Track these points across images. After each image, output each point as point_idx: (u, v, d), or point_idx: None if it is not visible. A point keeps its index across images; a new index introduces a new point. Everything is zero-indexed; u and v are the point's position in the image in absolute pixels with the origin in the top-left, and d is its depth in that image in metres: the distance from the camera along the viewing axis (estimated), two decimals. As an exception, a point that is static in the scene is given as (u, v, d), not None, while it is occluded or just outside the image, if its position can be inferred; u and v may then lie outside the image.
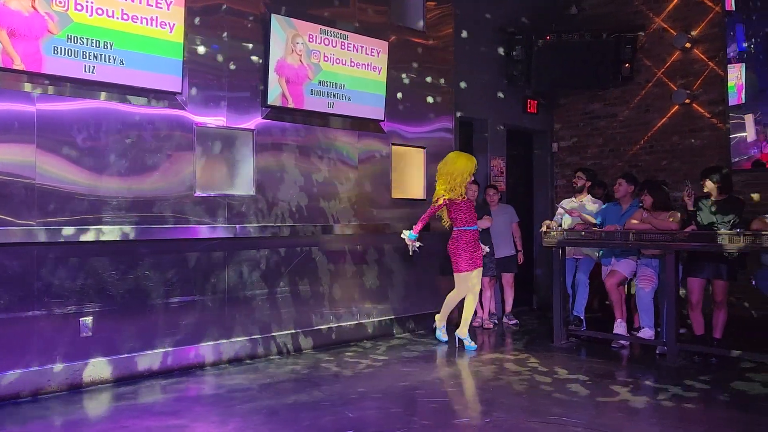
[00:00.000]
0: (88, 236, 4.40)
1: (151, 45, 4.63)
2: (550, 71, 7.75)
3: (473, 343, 5.81)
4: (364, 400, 4.18)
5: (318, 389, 4.41)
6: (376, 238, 6.27)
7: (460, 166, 5.70)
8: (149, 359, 4.70)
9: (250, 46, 5.36)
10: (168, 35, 4.70)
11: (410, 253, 5.89)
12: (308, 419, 3.78)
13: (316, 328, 5.76)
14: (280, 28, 5.39)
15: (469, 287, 5.82)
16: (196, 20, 5.01)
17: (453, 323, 6.09)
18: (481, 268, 5.92)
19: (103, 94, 4.54)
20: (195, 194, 4.99)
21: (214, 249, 5.09)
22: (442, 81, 6.92)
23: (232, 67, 5.25)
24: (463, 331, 5.83)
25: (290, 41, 5.45)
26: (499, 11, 7.75)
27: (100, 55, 4.39)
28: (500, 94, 7.85)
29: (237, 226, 5.19)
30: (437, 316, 6.07)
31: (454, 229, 5.83)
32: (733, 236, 4.87)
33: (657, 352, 5.55)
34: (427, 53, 6.79)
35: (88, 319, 4.41)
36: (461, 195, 5.74)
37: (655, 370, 5.07)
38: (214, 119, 5.14)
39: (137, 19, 4.55)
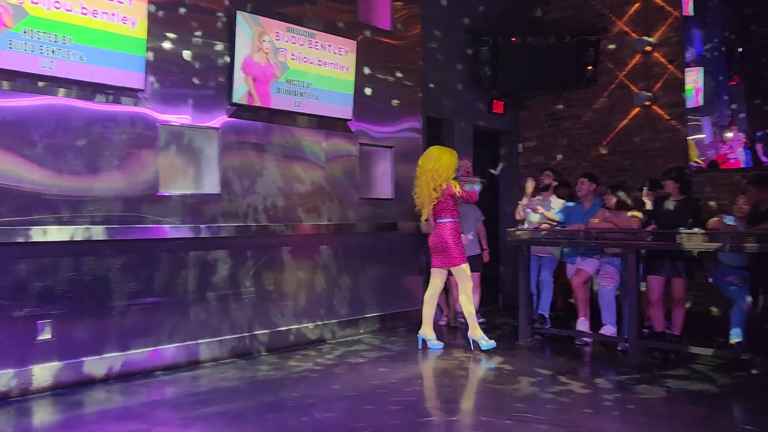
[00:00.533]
0: (47, 236, 4.28)
1: (112, 41, 4.52)
2: (516, 72, 7.84)
3: (439, 342, 5.80)
4: (331, 400, 4.16)
5: (284, 390, 4.38)
6: (344, 238, 6.26)
7: (445, 162, 5.63)
8: (110, 362, 4.59)
9: (216, 43, 5.29)
10: (130, 31, 4.61)
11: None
12: (274, 421, 3.75)
13: (282, 328, 5.71)
14: (246, 25, 5.33)
15: (438, 283, 5.79)
16: (160, 16, 4.92)
17: (419, 324, 6.11)
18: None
19: (61, 91, 4.41)
20: (158, 193, 4.90)
21: (178, 249, 5.01)
22: (409, 81, 6.94)
23: (197, 64, 5.17)
24: (426, 331, 5.79)
25: (257, 39, 5.40)
26: (465, 12, 7.81)
27: (59, 50, 4.28)
28: (467, 95, 7.90)
29: (202, 225, 5.12)
30: (469, 333, 5.70)
31: (448, 221, 5.63)
32: (691, 235, 5.00)
33: (619, 348, 5.66)
34: (395, 53, 6.80)
35: (46, 322, 4.29)
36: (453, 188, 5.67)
37: (617, 366, 5.17)
38: (178, 117, 5.05)
39: (97, 13, 4.44)
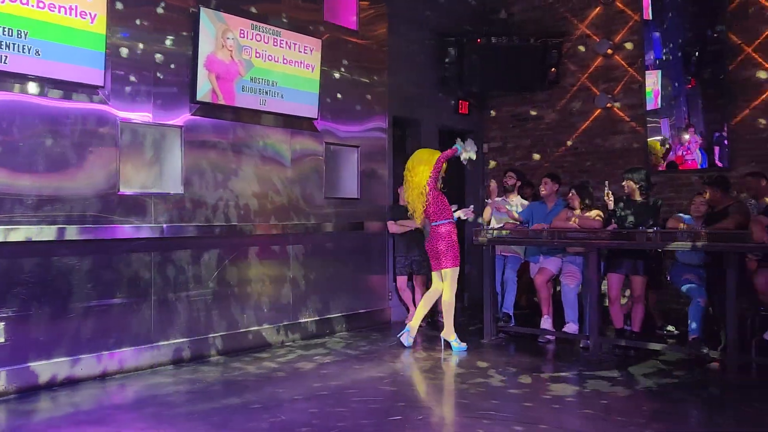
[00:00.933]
0: (0, 237, 4.14)
1: (70, 35, 4.41)
2: (481, 73, 7.91)
3: (411, 339, 5.81)
4: (298, 401, 4.14)
5: (250, 392, 4.33)
6: (310, 238, 6.22)
7: (423, 167, 5.66)
8: (70, 366, 4.48)
9: (179, 39, 5.20)
10: (89, 26, 4.49)
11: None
12: (240, 422, 3.70)
13: (247, 329, 5.65)
14: (210, 22, 5.25)
15: (437, 286, 5.74)
16: (121, 11, 4.81)
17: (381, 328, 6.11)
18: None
19: (17, 86, 4.28)
20: (118, 192, 4.79)
21: (140, 249, 4.91)
22: (375, 80, 6.94)
23: (159, 61, 5.07)
24: (412, 324, 5.81)
25: (220, 36, 5.32)
26: (432, 13, 7.85)
27: (14, 44, 4.14)
28: (433, 95, 7.94)
29: (164, 225, 5.03)
30: (443, 333, 5.76)
31: (442, 223, 5.59)
32: (650, 234, 5.12)
33: (581, 345, 5.76)
34: (361, 52, 6.79)
35: (0, 325, 4.15)
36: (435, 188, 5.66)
37: (579, 363, 5.26)
38: (139, 115, 4.95)
39: (54, 7, 4.32)
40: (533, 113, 8.38)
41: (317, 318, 6.29)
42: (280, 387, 4.46)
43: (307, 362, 5.21)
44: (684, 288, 5.38)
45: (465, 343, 5.67)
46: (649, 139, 7.37)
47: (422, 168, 5.65)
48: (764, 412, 3.96)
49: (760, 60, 6.64)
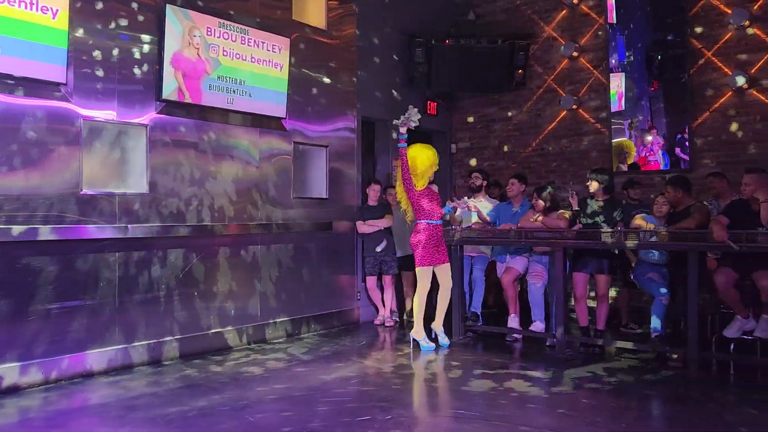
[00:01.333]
0: (-42, 237, 4.02)
1: (31, 31, 4.30)
2: (449, 74, 7.96)
3: (446, 339, 5.82)
4: (264, 403, 4.10)
5: (216, 394, 4.28)
6: (278, 238, 6.18)
7: (420, 155, 5.69)
8: (30, 369, 4.36)
9: (144, 37, 5.11)
10: (51, 21, 4.39)
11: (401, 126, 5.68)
12: (206, 425, 3.66)
13: (214, 331, 5.59)
14: (176, 19, 5.18)
15: (442, 282, 5.74)
16: (83, 6, 4.71)
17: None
18: (448, 264, 5.78)
19: (-25, 83, 4.17)
20: (81, 192, 4.69)
21: (103, 250, 4.81)
22: (344, 80, 6.93)
23: (124, 58, 4.98)
24: (437, 324, 5.83)
25: (187, 34, 5.25)
26: (401, 14, 7.86)
27: (-28, 39, 4.03)
28: (401, 95, 7.96)
29: (129, 226, 4.94)
30: (412, 332, 5.78)
31: (419, 222, 5.67)
32: (614, 234, 5.22)
33: (547, 344, 5.84)
34: (330, 52, 6.77)
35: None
36: (423, 186, 5.68)
37: (545, 361, 5.33)
38: (103, 113, 4.85)
39: (15, 2, 4.21)
40: (500, 114, 8.47)
41: (285, 319, 6.25)
42: (247, 389, 4.42)
43: (275, 363, 5.18)
44: (647, 286, 5.50)
45: (433, 343, 5.71)
46: (623, 139, 7.48)
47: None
48: (724, 407, 4.07)
49: (720, 64, 6.83)
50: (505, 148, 8.44)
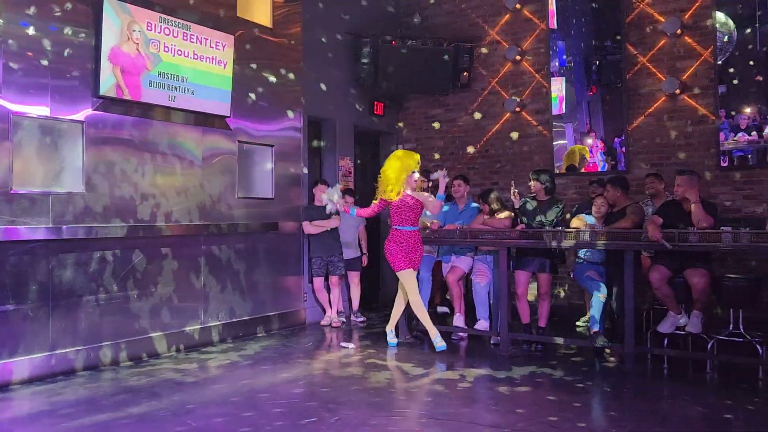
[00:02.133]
0: None
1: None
2: (396, 75, 8.00)
3: (395, 339, 5.89)
4: (209, 407, 4.02)
5: (157, 399, 4.16)
6: (222, 239, 6.06)
7: (387, 166, 5.68)
8: (-45, 378, 4.14)
9: (81, 30, 4.92)
10: (-22, 11, 4.17)
11: (328, 209, 5.82)
12: (146, 432, 3.55)
13: (154, 334, 5.43)
14: (114, 12, 5.01)
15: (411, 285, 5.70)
16: (14, -3, 4.49)
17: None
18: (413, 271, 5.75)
19: None
20: (11, 191, 4.47)
21: (36, 252, 4.60)
22: (290, 79, 6.86)
23: (59, 52, 4.78)
24: (390, 325, 5.93)
25: (126, 28, 5.09)
26: (347, 13, 7.85)
27: None
28: (348, 95, 7.95)
29: (63, 226, 4.74)
30: (388, 326, 5.95)
31: (390, 228, 5.77)
32: (555, 233, 5.37)
33: (492, 342, 5.95)
34: (276, 50, 6.69)
35: None
36: (398, 194, 5.62)
37: (489, 358, 5.42)
38: (35, 108, 4.64)
39: (-61, -10, 3.98)
40: (446, 116, 8.57)
41: (229, 321, 6.13)
42: (189, 393, 4.32)
43: (219, 367, 5.08)
44: (586, 284, 5.66)
45: (396, 340, 5.88)
46: (577, 145, 7.66)
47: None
48: (658, 398, 4.24)
49: (654, 70, 7.11)
50: (450, 150, 8.54)
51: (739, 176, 6.62)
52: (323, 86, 7.51)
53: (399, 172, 5.63)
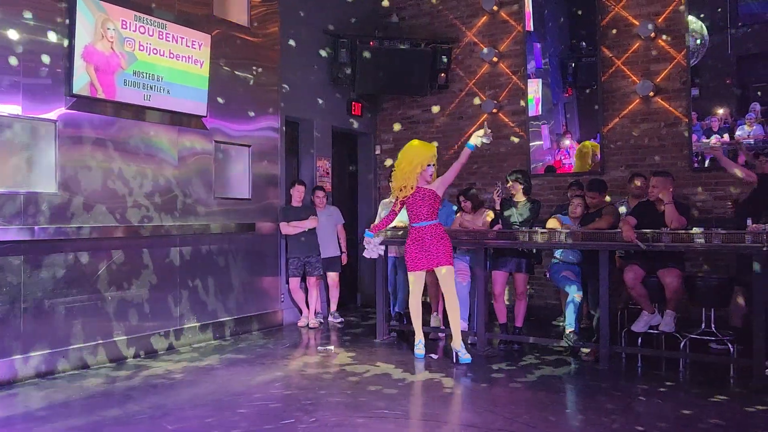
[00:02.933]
0: None
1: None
2: (373, 76, 8.00)
3: (467, 355, 5.19)
4: (185, 409, 3.98)
5: (133, 402, 4.11)
6: (198, 239, 6.00)
7: (401, 159, 5.29)
8: None
9: (54, 28, 4.84)
10: (-53, 7, 4.08)
11: (367, 255, 5.49)
12: (121, 435, 3.50)
13: (131, 336, 5.36)
14: (88, 10, 4.93)
15: (445, 287, 5.26)
16: (-16, -7, 4.40)
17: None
18: (444, 267, 5.25)
19: None
20: (-18, 191, 4.39)
21: (8, 253, 4.51)
22: (268, 79, 6.82)
23: (31, 50, 4.69)
24: (454, 342, 5.29)
25: (100, 26, 5.01)
26: (325, 14, 7.83)
27: None
28: (326, 96, 7.93)
29: (35, 227, 4.65)
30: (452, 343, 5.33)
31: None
32: (532, 234, 5.41)
33: (469, 341, 5.97)
34: (253, 50, 6.65)
35: None
36: (412, 188, 5.25)
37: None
38: (6, 107, 4.55)
39: None
40: (424, 116, 8.59)
41: (206, 322, 6.08)
42: (166, 395, 4.27)
43: (196, 368, 5.03)
44: (561, 284, 5.72)
45: (469, 356, 5.21)
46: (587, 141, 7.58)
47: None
48: (632, 396, 4.30)
49: (629, 72, 7.21)
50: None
51: (711, 178, 6.75)
52: (301, 86, 7.48)
53: (414, 166, 5.22)
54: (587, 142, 7.54)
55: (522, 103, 7.85)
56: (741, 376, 4.75)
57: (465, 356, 5.18)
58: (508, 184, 5.93)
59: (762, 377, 4.49)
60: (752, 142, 6.49)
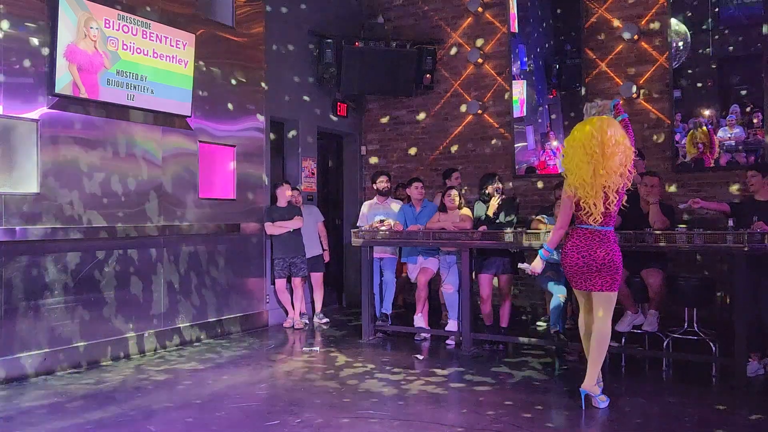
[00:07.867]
0: None
1: None
2: (359, 76, 7.99)
3: (604, 398, 4.06)
4: (170, 411, 3.95)
5: (116, 404, 4.07)
6: (182, 240, 5.96)
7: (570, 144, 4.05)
8: None
9: (35, 26, 4.78)
10: (-74, 5, 4.01)
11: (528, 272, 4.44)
12: (104, 438, 3.47)
13: (114, 338, 5.31)
14: (71, 9, 4.88)
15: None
16: (-36, -9, 4.34)
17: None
18: (605, 293, 4.09)
19: None
20: (-38, 192, 4.32)
21: (-12, 254, 4.45)
22: (253, 79, 6.79)
23: (12, 49, 4.63)
24: (587, 383, 4.05)
25: (83, 25, 4.96)
26: (310, 14, 7.81)
27: None
28: (311, 96, 7.91)
29: (17, 228, 4.59)
30: (584, 385, 4.05)
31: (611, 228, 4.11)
32: (516, 235, 5.44)
33: (454, 342, 5.99)
34: (238, 50, 6.62)
35: None
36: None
37: (452, 359, 5.46)
38: (-13, 106, 4.50)
39: None
40: (409, 117, 8.60)
41: (191, 323, 6.04)
42: (150, 397, 4.24)
43: (181, 370, 4.99)
44: (546, 285, 5.75)
45: (607, 398, 4.09)
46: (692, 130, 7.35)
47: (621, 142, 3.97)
48: (616, 395, 4.32)
49: (612, 74, 7.27)
50: (413, 151, 8.57)
51: (693, 179, 6.82)
52: (286, 87, 7.46)
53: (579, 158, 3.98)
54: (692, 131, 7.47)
55: (507, 104, 7.88)
56: (723, 375, 4.81)
57: (602, 401, 4.03)
58: (496, 185, 5.95)
59: (743, 376, 4.55)
60: (733, 144, 6.58)
